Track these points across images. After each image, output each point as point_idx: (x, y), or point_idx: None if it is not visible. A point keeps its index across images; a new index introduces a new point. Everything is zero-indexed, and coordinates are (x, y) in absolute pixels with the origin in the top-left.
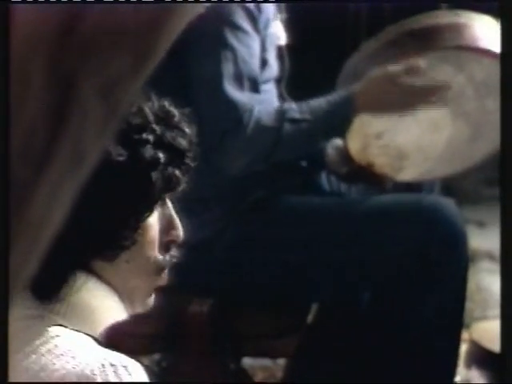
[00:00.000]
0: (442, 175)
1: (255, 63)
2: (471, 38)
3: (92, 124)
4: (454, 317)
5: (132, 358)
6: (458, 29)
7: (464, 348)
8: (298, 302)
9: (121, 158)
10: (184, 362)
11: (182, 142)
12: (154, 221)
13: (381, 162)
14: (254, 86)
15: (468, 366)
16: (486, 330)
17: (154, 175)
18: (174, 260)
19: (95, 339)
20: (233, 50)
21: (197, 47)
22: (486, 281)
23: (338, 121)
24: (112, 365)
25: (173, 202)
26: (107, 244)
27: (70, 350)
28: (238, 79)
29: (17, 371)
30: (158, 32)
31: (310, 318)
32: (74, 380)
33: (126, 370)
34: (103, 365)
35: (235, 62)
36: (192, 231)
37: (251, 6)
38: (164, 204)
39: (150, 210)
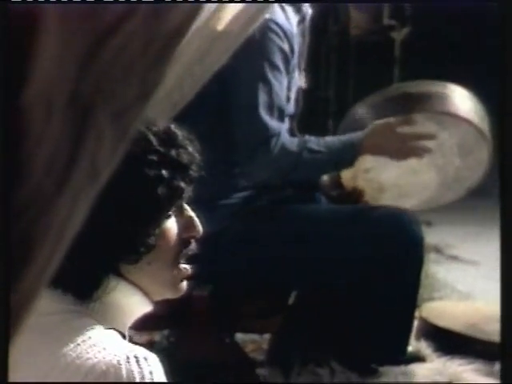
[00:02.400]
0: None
1: (283, 97)
2: (454, 106)
3: (106, 145)
4: (409, 299)
5: (147, 333)
6: (444, 97)
7: (415, 324)
8: (282, 288)
9: (131, 179)
10: (188, 336)
11: (186, 158)
12: (171, 224)
13: (364, 191)
14: (281, 116)
15: (418, 338)
16: (433, 309)
17: (160, 190)
18: (192, 252)
19: (122, 334)
20: (269, 84)
21: (240, 77)
22: (432, 269)
23: (346, 157)
24: (135, 357)
25: (189, 204)
26: (129, 250)
27: (101, 342)
28: (270, 108)
29: (55, 357)
30: (163, 66)
31: (290, 301)
32: (103, 368)
33: (146, 361)
34: (128, 356)
35: (270, 94)
36: (202, 225)
37: (287, 49)
38: (181, 207)
39: (164, 217)
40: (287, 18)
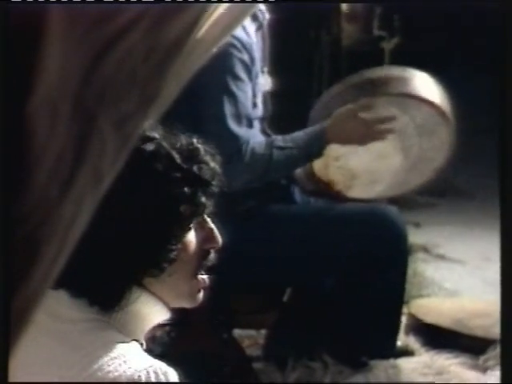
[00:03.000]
0: (384, 196)
1: (249, 105)
2: (413, 88)
3: (109, 151)
4: (396, 296)
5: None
6: (403, 80)
7: (403, 319)
8: (276, 286)
9: (155, 197)
10: (188, 332)
11: (207, 173)
12: (191, 237)
13: (336, 179)
14: (249, 123)
15: (406, 333)
16: (421, 306)
17: (183, 207)
18: (211, 263)
19: (141, 344)
20: (233, 95)
21: (205, 92)
22: (420, 268)
23: (314, 148)
24: (154, 372)
25: (210, 217)
26: (152, 264)
27: (122, 355)
28: (238, 117)
29: (77, 368)
30: (162, 77)
31: (285, 298)
32: (124, 381)
33: (165, 376)
34: (148, 372)
35: (235, 105)
36: None
37: (247, 59)
38: (203, 220)
39: (186, 232)
40: (244, 30)
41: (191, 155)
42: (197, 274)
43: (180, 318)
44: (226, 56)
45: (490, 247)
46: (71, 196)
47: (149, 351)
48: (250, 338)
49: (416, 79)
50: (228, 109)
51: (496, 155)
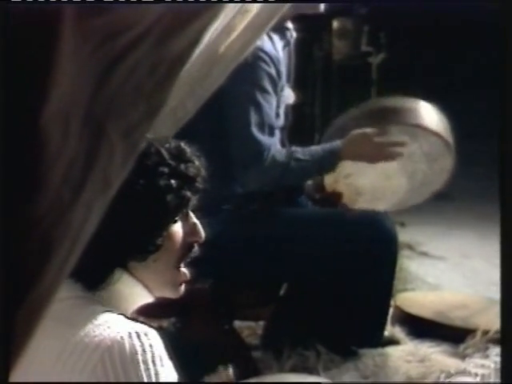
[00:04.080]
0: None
1: (273, 116)
2: (424, 119)
3: (117, 159)
4: (385, 291)
5: (156, 320)
6: (415, 111)
7: (390, 311)
8: (274, 282)
9: (144, 187)
10: (192, 323)
11: (193, 171)
12: (177, 228)
13: (343, 193)
14: (272, 132)
15: (393, 324)
16: (406, 299)
17: (169, 197)
18: (194, 255)
19: (125, 316)
20: (259, 106)
21: (234, 100)
22: (405, 264)
23: (329, 164)
24: (136, 332)
25: (194, 211)
26: (138, 249)
27: (106, 321)
28: (262, 126)
29: (66, 338)
30: (167, 88)
31: (281, 292)
32: (109, 343)
33: (146, 336)
34: (130, 333)
35: (260, 114)
36: (205, 227)
37: (274, 73)
38: (187, 214)
39: (171, 222)
40: (273, 45)
41: (179, 154)
42: (180, 265)
43: (185, 310)
44: (255, 68)
45: (468, 245)
46: (82, 199)
47: None
48: (249, 329)
49: (425, 111)
50: (253, 117)
51: (475, 161)
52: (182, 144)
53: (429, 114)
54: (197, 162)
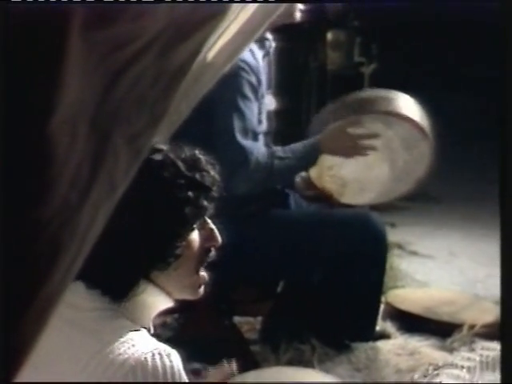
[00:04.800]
0: (370, 203)
1: (255, 121)
2: (396, 107)
3: (122, 164)
4: (376, 288)
5: (161, 316)
6: (388, 100)
7: (381, 307)
8: (271, 279)
9: (163, 201)
10: (195, 319)
11: (208, 180)
12: (195, 236)
13: (330, 187)
14: (255, 137)
15: (384, 319)
16: (396, 295)
17: (187, 209)
18: (211, 259)
19: (148, 330)
20: (241, 112)
21: (217, 108)
22: (396, 262)
23: (309, 158)
24: (159, 354)
25: (211, 219)
26: (160, 260)
27: (131, 339)
28: (245, 131)
29: (93, 351)
30: (169, 97)
31: (278, 289)
32: (132, 363)
33: (169, 357)
34: (153, 353)
35: (243, 120)
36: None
37: (254, 81)
38: (204, 221)
39: (189, 231)
40: (253, 55)
41: (194, 164)
42: (199, 270)
43: (187, 306)
44: (236, 77)
45: (455, 244)
46: (89, 203)
47: (158, 335)
48: (248, 324)
49: (399, 99)
50: (236, 124)
51: (461, 166)
52: (197, 153)
53: (402, 102)
54: (212, 172)
